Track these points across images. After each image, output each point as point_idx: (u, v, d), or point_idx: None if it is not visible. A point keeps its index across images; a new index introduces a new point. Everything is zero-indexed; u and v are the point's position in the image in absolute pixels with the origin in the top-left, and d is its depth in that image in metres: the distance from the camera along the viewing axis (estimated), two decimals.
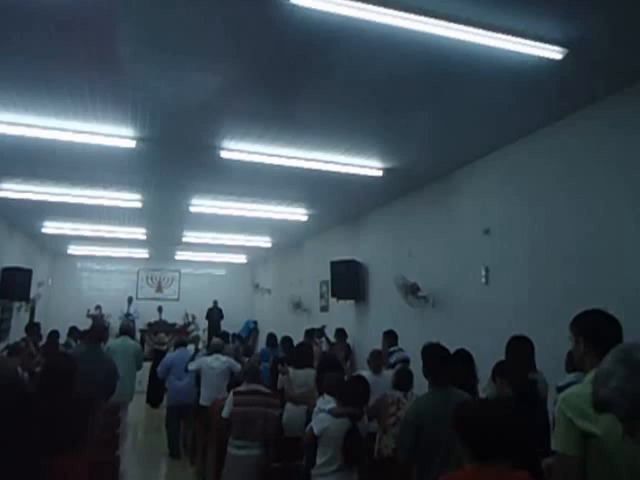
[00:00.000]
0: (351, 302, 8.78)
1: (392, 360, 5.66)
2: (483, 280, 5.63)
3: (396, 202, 7.69)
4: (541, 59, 3.54)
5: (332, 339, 8.28)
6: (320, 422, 3.43)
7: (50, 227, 9.92)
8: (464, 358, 3.63)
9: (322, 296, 10.22)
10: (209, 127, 5.08)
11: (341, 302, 8.97)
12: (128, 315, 13.23)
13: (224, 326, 13.61)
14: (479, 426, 1.90)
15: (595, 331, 1.97)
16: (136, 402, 8.55)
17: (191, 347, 7.49)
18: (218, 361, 5.97)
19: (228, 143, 5.48)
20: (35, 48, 3.61)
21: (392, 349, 5.91)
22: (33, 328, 7.85)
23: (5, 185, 7.14)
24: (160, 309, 13.98)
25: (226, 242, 11.35)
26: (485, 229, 5.65)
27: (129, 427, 6.41)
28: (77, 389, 3.20)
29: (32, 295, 10.09)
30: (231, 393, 4.28)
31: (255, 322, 14.46)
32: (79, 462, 3.11)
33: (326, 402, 3.61)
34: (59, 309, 11.06)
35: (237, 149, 5.60)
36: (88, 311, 12.70)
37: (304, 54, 3.65)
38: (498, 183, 5.58)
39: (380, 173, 6.27)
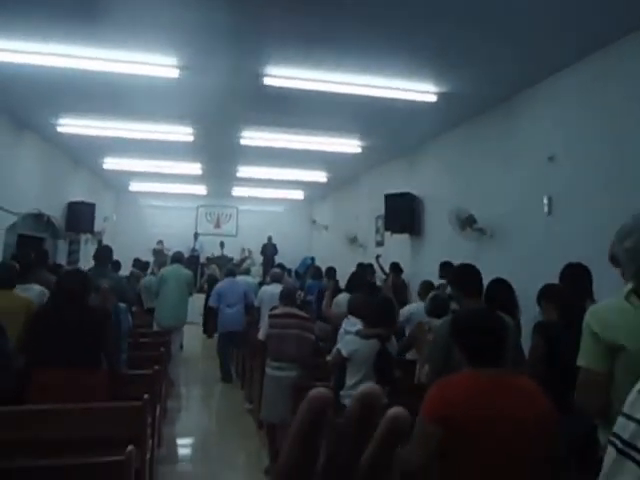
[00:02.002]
0: (406, 236, 8.58)
1: (448, 291, 5.51)
2: (546, 210, 5.27)
3: (453, 131, 7.27)
4: None
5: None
6: (348, 344, 3.37)
7: (110, 163, 10.20)
8: (504, 286, 3.46)
9: (377, 231, 10.10)
10: (249, 52, 4.86)
11: (396, 236, 8.80)
12: (194, 250, 13.72)
13: (282, 261, 13.88)
14: (471, 331, 1.93)
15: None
16: (194, 333, 8.92)
17: (242, 277, 7.60)
18: (278, 289, 6.01)
19: (270, 69, 5.26)
20: None
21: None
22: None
23: (64, 120, 7.33)
24: (222, 244, 14.39)
25: (281, 177, 11.26)
26: (549, 156, 5.22)
27: (181, 352, 6.68)
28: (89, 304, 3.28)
29: (96, 228, 10.53)
30: (267, 316, 4.30)
31: (312, 258, 14.54)
32: (94, 375, 3.19)
33: (352, 324, 3.53)
34: (124, 244, 11.45)
35: (280, 75, 5.36)
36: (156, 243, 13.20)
37: None
38: (564, 106, 5.09)
39: (434, 98, 5.87)
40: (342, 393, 3.34)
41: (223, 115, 6.93)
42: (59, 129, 7.57)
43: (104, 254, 5.51)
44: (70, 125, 7.47)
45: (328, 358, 3.73)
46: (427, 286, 5.14)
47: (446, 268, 5.89)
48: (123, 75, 5.29)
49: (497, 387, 1.79)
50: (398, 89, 5.67)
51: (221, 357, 7.09)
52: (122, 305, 4.18)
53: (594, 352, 1.74)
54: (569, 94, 5.02)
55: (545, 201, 5.26)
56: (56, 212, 9.06)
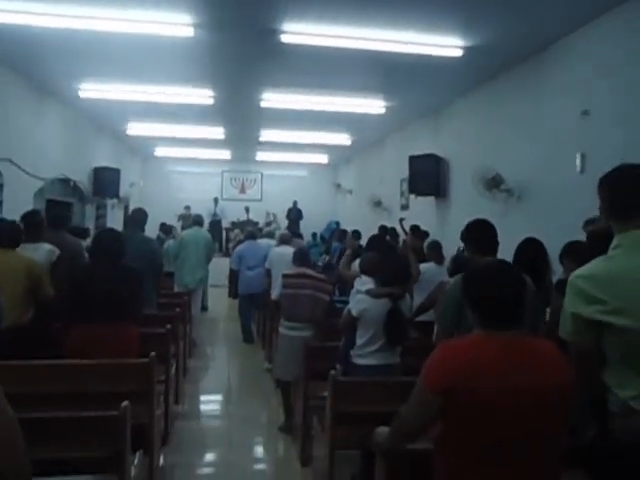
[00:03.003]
0: (431, 199, 8.40)
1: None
2: (578, 169, 5.02)
3: (480, 88, 6.97)
4: None
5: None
6: (358, 303, 3.30)
7: (133, 128, 10.22)
8: (535, 245, 3.34)
9: (402, 194, 9.94)
10: (264, 7, 4.68)
11: (421, 199, 8.64)
12: (215, 215, 13.79)
13: (306, 226, 13.91)
14: (483, 287, 1.68)
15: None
16: (220, 295, 9.01)
17: (264, 240, 7.57)
18: (287, 251, 5.97)
19: (287, 25, 5.06)
20: None
21: None
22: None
23: (85, 85, 7.32)
24: (247, 209, 14.43)
25: (304, 140, 11.10)
26: (583, 110, 4.92)
27: (206, 313, 6.73)
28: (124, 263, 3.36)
29: (122, 193, 10.64)
30: (280, 276, 4.26)
31: (337, 223, 14.50)
32: (129, 330, 3.25)
33: (363, 283, 3.44)
34: (151, 209, 11.43)
35: (297, 32, 5.17)
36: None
37: None
38: (601, 56, 4.76)
39: (460, 53, 5.59)
40: (352, 352, 3.31)
41: (242, 76, 6.79)
42: (80, 94, 7.57)
43: (138, 217, 5.50)
44: (91, 90, 7.46)
45: None
46: (435, 246, 5.04)
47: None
48: (140, 36, 5.23)
49: (512, 353, 1.58)
50: (422, 44, 5.41)
51: (242, 318, 7.18)
52: None
53: (574, 327, 1.73)
54: (608, 43, 4.67)
55: (577, 159, 5.00)
56: (82, 177, 9.18)
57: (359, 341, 3.27)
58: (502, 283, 1.66)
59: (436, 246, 5.16)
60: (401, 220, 8.57)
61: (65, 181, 8.48)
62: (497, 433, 1.55)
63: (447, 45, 5.47)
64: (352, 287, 3.57)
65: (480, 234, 2.70)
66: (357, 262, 4.51)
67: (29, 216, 4.11)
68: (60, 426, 2.24)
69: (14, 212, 4.80)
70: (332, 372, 2.95)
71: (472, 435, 1.57)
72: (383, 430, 1.85)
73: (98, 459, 2.25)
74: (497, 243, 2.71)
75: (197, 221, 7.03)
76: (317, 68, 6.29)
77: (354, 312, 3.27)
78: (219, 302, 9.02)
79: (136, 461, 2.61)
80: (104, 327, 3.14)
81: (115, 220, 10.44)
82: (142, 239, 5.25)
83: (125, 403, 2.24)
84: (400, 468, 1.93)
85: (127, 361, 3.02)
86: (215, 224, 13.64)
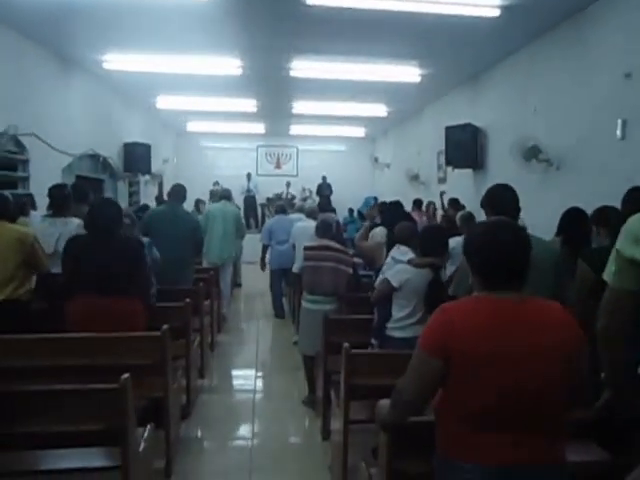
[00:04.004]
0: (469, 171, 8.07)
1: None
2: (618, 135, 4.68)
3: (518, 53, 6.60)
4: None
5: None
6: (399, 273, 3.14)
7: (163, 102, 10.09)
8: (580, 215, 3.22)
9: (439, 167, 9.64)
10: None
11: (458, 172, 8.33)
12: (248, 191, 13.75)
13: (342, 202, 13.70)
14: (482, 248, 1.57)
15: None
16: (254, 272, 8.98)
17: (296, 215, 7.44)
18: (310, 224, 5.84)
19: None
20: None
21: None
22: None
23: (111, 56, 7.17)
24: (288, 184, 14.39)
25: (339, 112, 10.83)
26: (626, 73, 4.56)
27: (240, 289, 6.70)
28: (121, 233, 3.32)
29: (154, 169, 10.59)
30: (302, 248, 4.14)
31: (375, 198, 14.20)
32: (128, 303, 3.19)
33: (402, 252, 3.29)
34: (186, 185, 11.52)
35: None
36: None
37: None
38: None
39: (497, 12, 5.25)
40: (389, 325, 3.20)
41: (269, 43, 6.57)
42: (105, 65, 7.42)
43: (179, 192, 5.46)
44: (117, 61, 7.31)
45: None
46: (468, 217, 4.80)
47: None
48: (165, 2, 5.11)
49: (511, 314, 1.49)
50: (458, 3, 5.10)
51: (273, 293, 7.13)
52: (146, 239, 4.13)
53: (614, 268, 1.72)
54: None
55: (618, 125, 4.66)
56: (112, 153, 9.06)
57: (398, 314, 3.15)
58: (500, 241, 1.54)
59: (469, 218, 4.91)
60: (442, 194, 8.33)
61: (94, 157, 8.37)
62: (496, 397, 1.46)
63: (484, 4, 5.14)
64: (370, 260, 3.43)
65: (499, 199, 2.48)
66: (375, 232, 4.36)
67: (56, 189, 4.09)
68: (64, 399, 2.21)
69: (41, 188, 4.74)
70: (345, 344, 2.82)
71: (471, 400, 1.49)
72: (385, 403, 1.74)
73: (101, 432, 2.21)
74: (518, 209, 2.50)
75: (224, 195, 6.91)
76: (347, 33, 6.02)
77: (395, 283, 3.12)
78: (253, 278, 9.01)
79: (146, 434, 2.55)
80: (100, 300, 3.09)
81: (148, 197, 10.42)
82: (184, 214, 5.23)
83: (126, 375, 2.18)
84: (402, 441, 1.89)
85: (138, 334, 2.98)
86: (249, 200, 13.61)
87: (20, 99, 6.05)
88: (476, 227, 1.78)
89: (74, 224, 3.93)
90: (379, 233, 4.33)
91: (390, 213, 4.69)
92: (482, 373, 1.46)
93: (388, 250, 3.77)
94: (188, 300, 3.91)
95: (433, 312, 1.59)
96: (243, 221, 7.38)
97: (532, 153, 5.89)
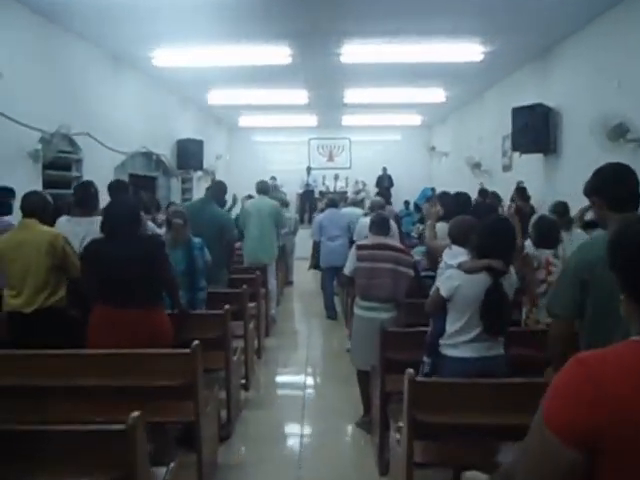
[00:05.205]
0: (538, 157, 7.33)
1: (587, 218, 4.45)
2: None
3: (595, 21, 5.84)
4: None
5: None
6: (448, 280, 2.57)
7: (214, 97, 9.92)
8: None
9: (504, 154, 8.88)
10: None
11: (526, 158, 7.58)
12: (307, 185, 13.42)
13: (398, 194, 13.19)
14: None
15: None
16: (306, 269, 8.57)
17: (349, 209, 6.97)
18: None
19: None
20: None
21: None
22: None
23: (160, 52, 7.00)
24: (337, 177, 14.14)
25: (393, 99, 10.23)
26: None
27: (274, 287, 6.23)
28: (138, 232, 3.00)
29: (206, 165, 10.44)
30: (354, 247, 3.62)
31: (433, 189, 13.52)
32: (149, 315, 2.83)
33: (454, 254, 2.71)
34: (238, 181, 11.36)
35: None
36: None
37: None
38: None
39: None
40: (442, 342, 2.63)
41: (316, 27, 6.13)
42: (155, 62, 7.28)
43: (214, 189, 5.24)
44: (166, 57, 7.15)
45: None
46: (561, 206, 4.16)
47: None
48: None
49: None
50: None
51: (324, 293, 6.70)
52: (197, 240, 3.80)
53: None
54: None
55: None
56: (165, 150, 9.04)
57: (450, 328, 2.58)
58: None
59: (561, 207, 4.30)
60: (519, 183, 7.57)
61: (147, 154, 8.35)
62: None
63: None
64: (435, 262, 2.88)
65: (615, 183, 1.91)
66: (438, 228, 3.77)
67: (80, 188, 3.82)
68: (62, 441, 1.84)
69: None
70: (409, 370, 2.31)
71: None
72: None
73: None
74: (639, 195, 1.91)
75: (260, 189, 6.23)
76: (400, 9, 5.49)
77: (443, 292, 2.56)
78: (306, 276, 8.60)
79: (168, 476, 2.15)
80: (116, 313, 2.77)
81: (201, 194, 10.24)
82: (211, 214, 4.83)
83: (135, 414, 1.77)
84: None
85: (163, 351, 2.59)
86: (308, 194, 13.29)
87: (72, 98, 6.05)
88: (624, 229, 1.09)
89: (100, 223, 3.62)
90: (442, 229, 3.70)
91: (455, 206, 4.03)
92: None
93: None
94: (227, 307, 3.49)
95: (556, 361, 1.01)
96: (289, 214, 6.88)
97: (618, 132, 5.16)
